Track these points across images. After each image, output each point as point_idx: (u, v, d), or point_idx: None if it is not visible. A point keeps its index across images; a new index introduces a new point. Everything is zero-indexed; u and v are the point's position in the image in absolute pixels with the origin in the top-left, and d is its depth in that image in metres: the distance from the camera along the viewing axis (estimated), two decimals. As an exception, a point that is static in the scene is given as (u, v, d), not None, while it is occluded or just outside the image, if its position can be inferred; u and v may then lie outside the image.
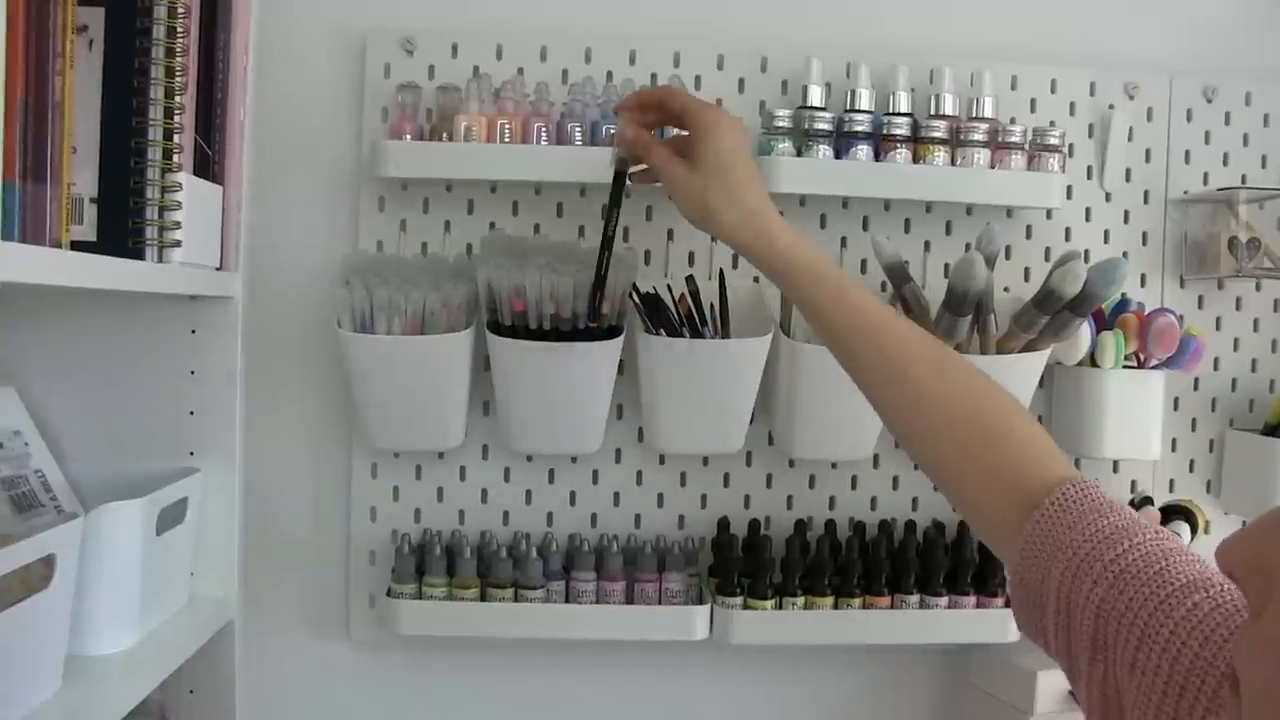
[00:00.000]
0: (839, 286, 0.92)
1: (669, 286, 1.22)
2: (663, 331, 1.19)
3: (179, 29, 0.99)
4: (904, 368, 0.88)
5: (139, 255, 0.98)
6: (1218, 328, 1.41)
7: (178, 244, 1.01)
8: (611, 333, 1.18)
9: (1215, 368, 1.41)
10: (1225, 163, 1.41)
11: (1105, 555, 0.70)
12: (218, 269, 1.17)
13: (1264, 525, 0.45)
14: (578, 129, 1.21)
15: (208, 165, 1.13)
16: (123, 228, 0.97)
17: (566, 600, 1.25)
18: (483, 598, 1.25)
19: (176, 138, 1.01)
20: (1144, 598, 0.66)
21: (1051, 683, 1.27)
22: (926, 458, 0.90)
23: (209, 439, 1.22)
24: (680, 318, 1.20)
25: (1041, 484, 0.78)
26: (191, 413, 1.21)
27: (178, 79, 1.00)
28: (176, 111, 1.00)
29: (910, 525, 1.33)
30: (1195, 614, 0.64)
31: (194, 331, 1.21)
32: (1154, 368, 1.31)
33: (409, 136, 1.23)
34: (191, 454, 1.21)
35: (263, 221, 1.30)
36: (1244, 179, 1.40)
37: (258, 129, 1.28)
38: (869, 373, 0.91)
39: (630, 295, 1.19)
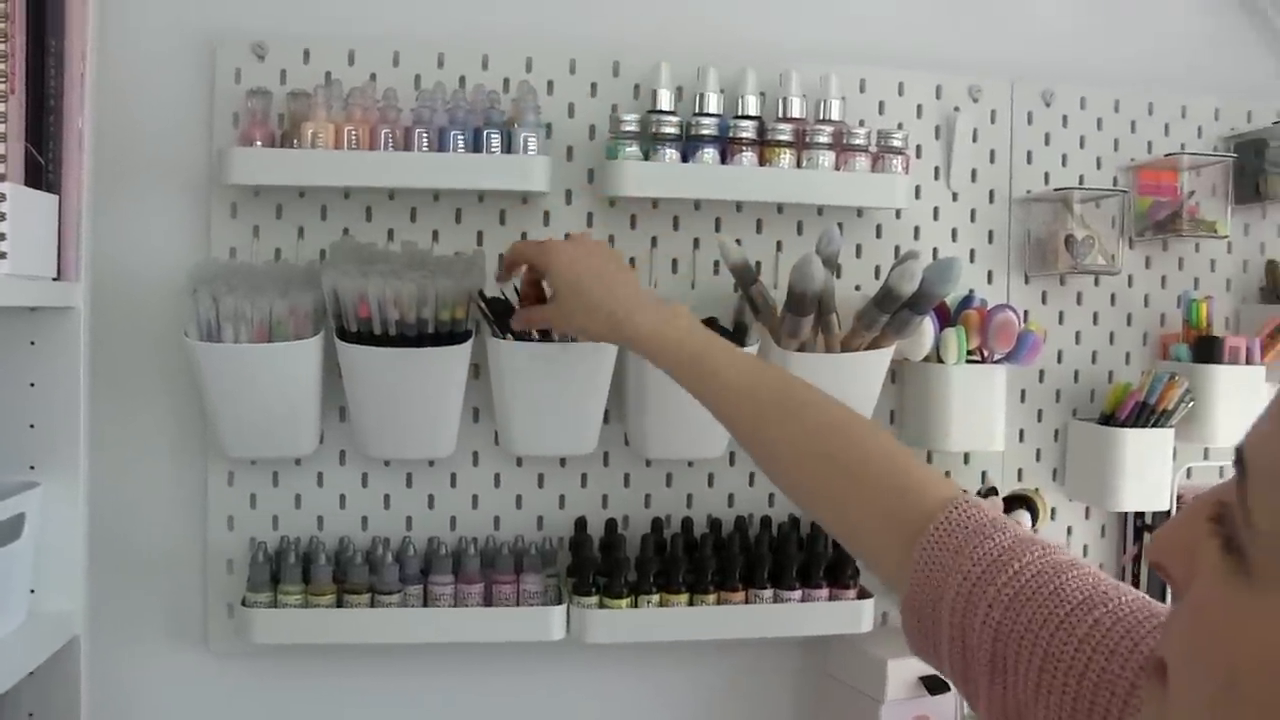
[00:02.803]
0: (695, 360, 0.99)
1: (516, 289, 1.22)
2: (509, 335, 1.20)
3: (-3, 35, 0.97)
4: (755, 422, 0.93)
5: (-42, 267, 0.96)
6: (1060, 322, 1.47)
7: (2, 255, 0.99)
8: (455, 337, 1.18)
9: (1059, 360, 1.47)
10: (1064, 164, 1.46)
11: (998, 578, 0.70)
12: (55, 279, 1.15)
13: (1186, 514, 0.46)
14: (425, 135, 1.22)
15: (40, 174, 1.11)
16: (-61, 239, 0.95)
17: (424, 604, 1.26)
18: (339, 604, 1.25)
19: (0, 147, 0.99)
20: (1043, 619, 0.66)
21: (901, 670, 1.31)
22: (806, 505, 0.93)
23: (50, 452, 1.19)
24: (527, 321, 1.21)
25: (920, 513, 0.78)
26: (32, 426, 1.19)
27: (-3, 86, 0.98)
28: (-2, 120, 0.98)
29: (765, 521, 1.36)
30: (1097, 630, 0.64)
31: (33, 343, 1.18)
32: (996, 362, 1.36)
33: (259, 143, 1.22)
34: (32, 468, 1.19)
35: (112, 230, 1.27)
36: (1081, 179, 1.46)
37: (105, 136, 1.25)
38: (732, 432, 0.97)
39: (476, 301, 1.20)
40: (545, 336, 1.22)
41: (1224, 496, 0.44)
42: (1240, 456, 0.42)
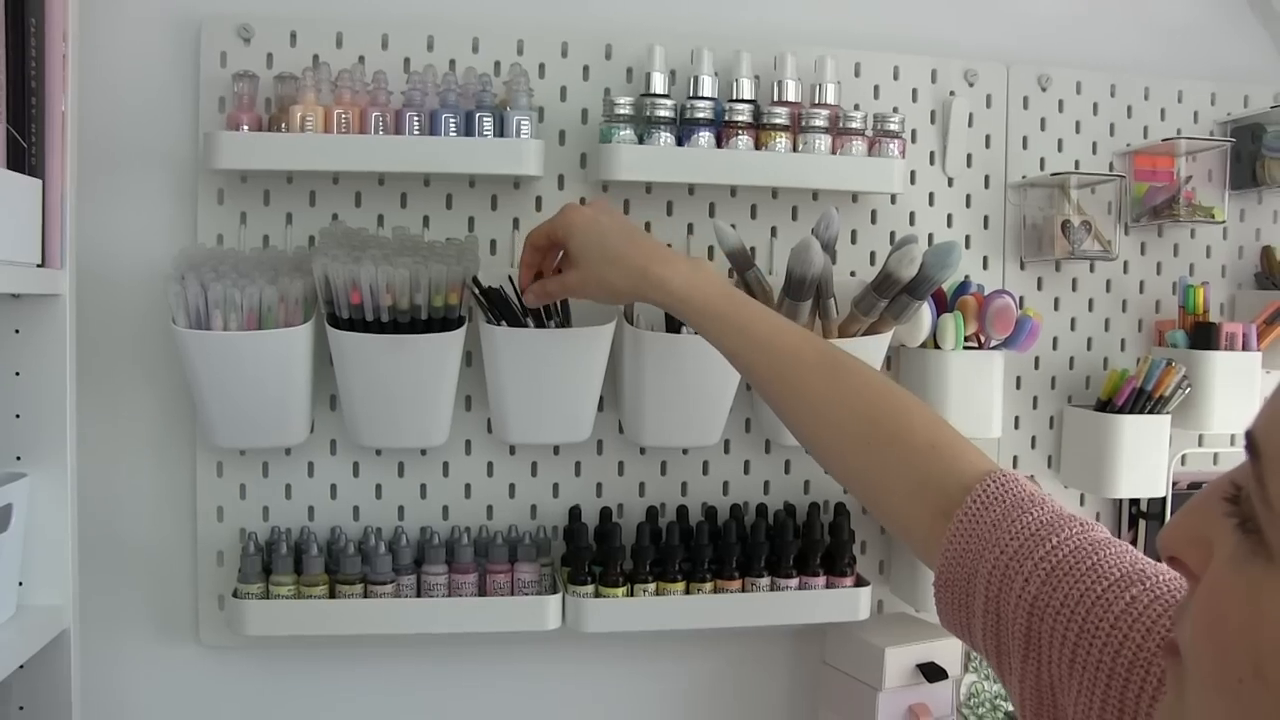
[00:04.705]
0: (731, 314, 0.96)
1: (511, 279, 1.21)
2: (504, 322, 1.18)
3: (-27, 15, 0.94)
4: (798, 380, 0.90)
5: (-64, 253, 0.94)
6: (1056, 308, 1.46)
7: (-16, 241, 0.97)
8: (448, 324, 1.17)
9: (1054, 347, 1.46)
10: (1060, 149, 1.45)
11: (1035, 552, 0.70)
12: (39, 266, 1.13)
13: (1195, 505, 0.46)
14: (416, 118, 1.20)
15: (22, 158, 1.09)
16: (-83, 224, 0.93)
17: (418, 594, 1.24)
18: (332, 595, 1.23)
19: (-20, 129, 0.96)
20: (1080, 594, 0.66)
21: (899, 658, 1.30)
22: (838, 470, 0.90)
23: (37, 442, 1.17)
24: (522, 309, 1.20)
25: (957, 484, 0.77)
26: (18, 416, 1.16)
27: (-25, 67, 0.95)
28: (-24, 101, 0.95)
29: (761, 509, 1.35)
30: (1135, 607, 0.63)
31: (18, 331, 1.16)
32: (993, 348, 1.35)
33: (246, 127, 1.20)
34: (19, 458, 1.16)
35: (97, 216, 1.25)
36: (1077, 164, 1.45)
37: (89, 120, 1.23)
38: (769, 390, 0.94)
39: (471, 288, 1.18)
40: (540, 323, 1.21)
41: (1237, 478, 0.43)
42: (1252, 440, 0.42)
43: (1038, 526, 0.71)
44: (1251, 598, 0.41)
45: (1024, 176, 1.44)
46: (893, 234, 1.40)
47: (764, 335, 0.94)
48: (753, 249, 1.31)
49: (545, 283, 1.12)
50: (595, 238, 1.04)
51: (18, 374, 1.16)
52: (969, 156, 1.43)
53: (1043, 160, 1.45)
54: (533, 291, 1.13)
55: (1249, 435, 0.42)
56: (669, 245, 1.07)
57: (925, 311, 1.31)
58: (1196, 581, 0.45)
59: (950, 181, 1.43)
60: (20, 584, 1.15)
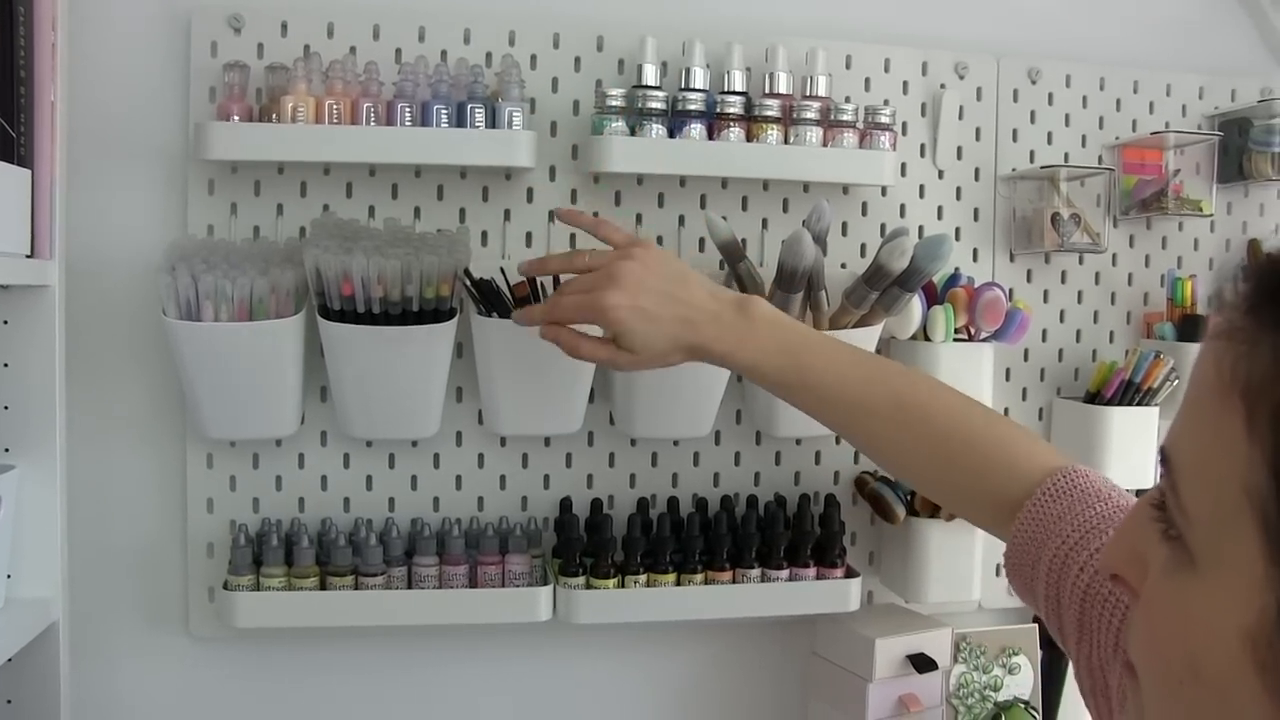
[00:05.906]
0: (790, 371, 0.96)
1: (502, 270, 1.21)
2: (495, 314, 1.18)
3: (-37, 3, 0.94)
4: (866, 431, 0.94)
5: (-75, 243, 0.93)
6: (1045, 300, 1.47)
7: (-27, 231, 0.96)
8: (440, 315, 1.17)
9: (1043, 339, 1.47)
10: (1049, 141, 1.46)
11: (1091, 544, 0.74)
12: (29, 257, 1.12)
13: (1129, 523, 0.50)
14: (407, 109, 1.19)
15: (11, 147, 1.08)
16: (-95, 214, 0.92)
17: (408, 586, 1.24)
18: (322, 586, 1.23)
19: (-31, 119, 0.96)
20: None
21: (889, 649, 1.31)
22: (911, 483, 0.99)
23: (27, 434, 1.17)
24: (514, 301, 1.20)
25: (1023, 485, 0.82)
26: (6, 407, 1.16)
27: (-36, 56, 0.95)
28: (-35, 91, 0.95)
29: (751, 500, 1.35)
30: None
31: (6, 322, 1.16)
32: (983, 340, 1.36)
33: (236, 117, 1.19)
34: (7, 450, 1.16)
35: (86, 207, 1.24)
36: (1066, 157, 1.45)
37: (78, 110, 1.22)
38: (839, 433, 0.99)
39: (462, 279, 1.18)
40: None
41: (1163, 486, 0.47)
42: (1165, 454, 0.46)
43: (1097, 520, 0.76)
44: (1180, 603, 0.44)
45: (1014, 169, 1.45)
46: (883, 226, 1.40)
47: (828, 391, 0.94)
48: (744, 241, 1.31)
49: (592, 345, 1.03)
50: (643, 332, 0.98)
51: (6, 365, 1.16)
52: (959, 149, 1.44)
53: (1032, 153, 1.45)
54: (587, 348, 1.04)
55: (1162, 450, 0.46)
56: (711, 283, 1.03)
57: (916, 304, 1.31)
58: (1138, 598, 0.49)
59: (940, 174, 1.43)
60: (9, 576, 1.15)
